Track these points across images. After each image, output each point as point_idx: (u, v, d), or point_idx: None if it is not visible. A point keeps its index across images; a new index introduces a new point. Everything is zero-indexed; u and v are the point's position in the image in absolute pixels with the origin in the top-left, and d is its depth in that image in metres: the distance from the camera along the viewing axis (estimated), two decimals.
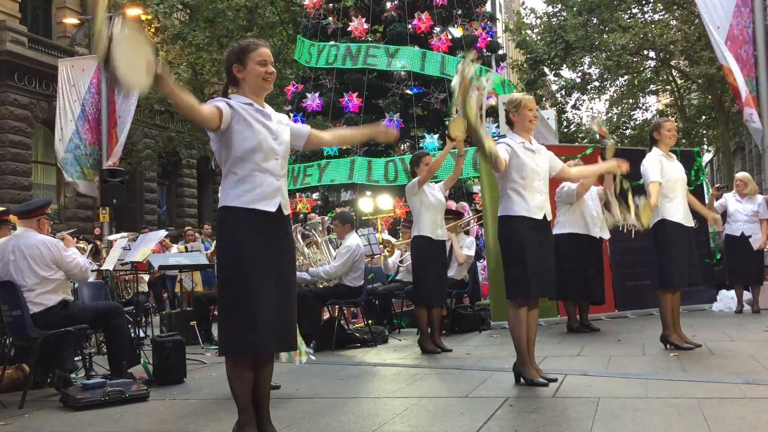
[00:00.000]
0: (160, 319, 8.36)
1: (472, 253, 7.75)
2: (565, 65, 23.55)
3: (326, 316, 7.40)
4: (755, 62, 11.21)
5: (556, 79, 26.40)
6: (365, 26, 15.27)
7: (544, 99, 27.99)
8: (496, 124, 14.22)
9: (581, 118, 29.18)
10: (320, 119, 16.18)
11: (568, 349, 5.68)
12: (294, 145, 3.26)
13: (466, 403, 3.85)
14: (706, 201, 8.87)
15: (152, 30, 19.75)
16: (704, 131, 24.82)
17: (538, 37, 24.19)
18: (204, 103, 2.95)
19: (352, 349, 6.59)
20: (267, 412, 3.11)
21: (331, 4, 16.50)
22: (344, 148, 15.38)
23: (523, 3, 27.00)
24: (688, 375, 4.27)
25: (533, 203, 4.26)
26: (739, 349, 5.23)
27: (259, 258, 2.97)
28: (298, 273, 6.51)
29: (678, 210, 5.26)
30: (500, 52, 17.53)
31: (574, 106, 26.56)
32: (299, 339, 3.96)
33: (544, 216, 4.30)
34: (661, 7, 22.14)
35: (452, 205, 9.10)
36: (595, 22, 21.55)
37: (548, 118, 13.96)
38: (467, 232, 8.68)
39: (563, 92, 25.67)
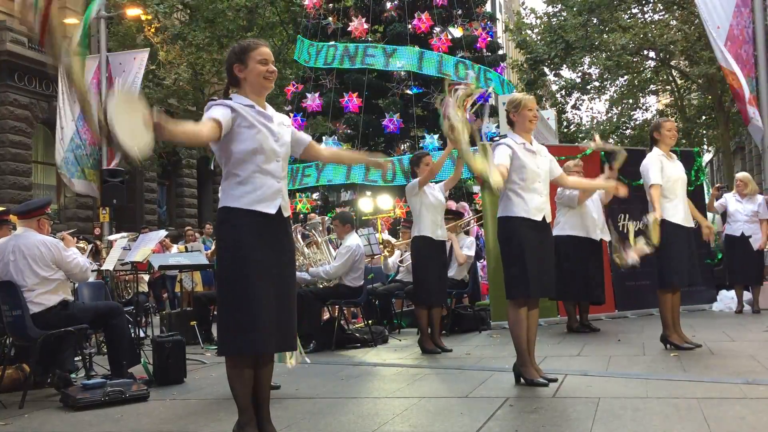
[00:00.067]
0: (160, 319, 8.36)
1: (472, 253, 7.75)
2: (565, 65, 23.55)
3: (326, 316, 7.39)
4: (755, 62, 11.22)
5: (556, 79, 26.41)
6: (365, 26, 15.27)
7: (544, 99, 27.99)
8: (497, 125, 14.24)
9: (581, 119, 29.23)
10: (320, 119, 16.18)
11: (568, 349, 5.68)
12: (292, 151, 3.26)
13: (466, 403, 3.85)
14: (707, 201, 8.87)
15: (152, 30, 19.75)
16: (704, 131, 24.80)
17: (538, 37, 24.18)
18: (204, 119, 2.92)
19: (352, 349, 6.59)
20: (267, 412, 3.11)
21: (331, 4, 16.50)
22: (344, 147, 15.37)
23: (523, 3, 26.99)
24: (688, 375, 4.27)
25: (532, 204, 4.26)
26: (739, 349, 5.23)
27: (259, 258, 2.97)
28: (298, 273, 6.51)
29: (678, 210, 5.26)
30: (500, 52, 17.52)
31: (574, 106, 26.56)
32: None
33: (543, 218, 4.31)
34: (661, 7, 22.14)
35: (452, 205, 9.10)
36: (595, 22, 21.55)
37: (548, 119, 13.97)
38: (467, 233, 8.68)
39: (563, 92, 25.67)
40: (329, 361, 5.88)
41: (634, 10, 22.45)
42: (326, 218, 8.30)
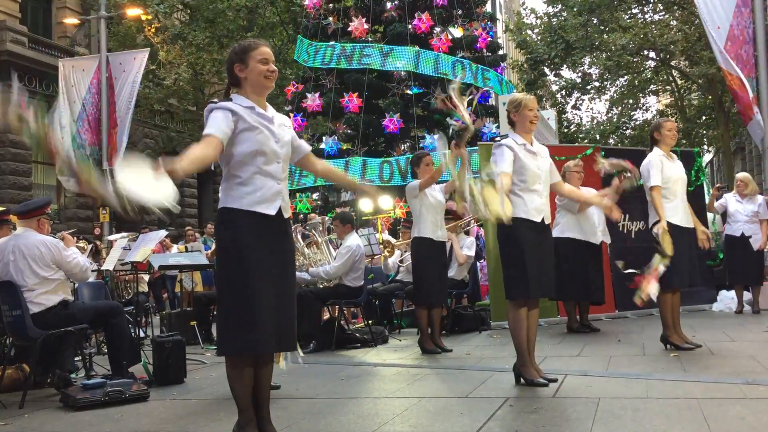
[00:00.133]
0: (160, 319, 8.36)
1: (472, 253, 7.75)
2: (565, 65, 23.56)
3: (326, 316, 7.39)
4: (755, 62, 11.22)
5: (556, 79, 26.43)
6: (365, 26, 15.27)
7: (544, 99, 28.00)
8: (497, 125, 14.24)
9: (581, 119, 29.25)
10: (320, 119, 16.18)
11: (568, 350, 5.68)
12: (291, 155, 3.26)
13: (466, 403, 3.85)
14: (707, 201, 8.87)
15: (152, 30, 19.76)
16: (704, 131, 24.81)
17: (539, 38, 24.20)
18: (205, 137, 2.93)
19: (352, 349, 6.59)
20: (267, 412, 3.11)
21: (331, 5, 16.50)
22: (344, 147, 15.39)
23: (523, 3, 27.01)
24: (688, 375, 4.27)
25: (532, 205, 4.26)
26: (739, 350, 5.23)
27: (258, 259, 2.97)
28: (298, 273, 6.51)
29: (677, 211, 5.25)
30: (500, 52, 17.53)
31: (574, 107, 26.57)
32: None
33: (543, 219, 4.30)
34: (662, 8, 22.15)
35: (452, 205, 9.09)
36: (595, 22, 21.55)
37: (548, 119, 13.96)
38: (467, 233, 8.67)
39: (563, 93, 25.68)
40: (329, 361, 5.88)
41: (635, 10, 22.46)
42: (326, 218, 8.30)
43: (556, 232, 6.44)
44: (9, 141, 17.90)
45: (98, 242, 9.34)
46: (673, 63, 22.76)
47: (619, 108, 27.07)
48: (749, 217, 8.11)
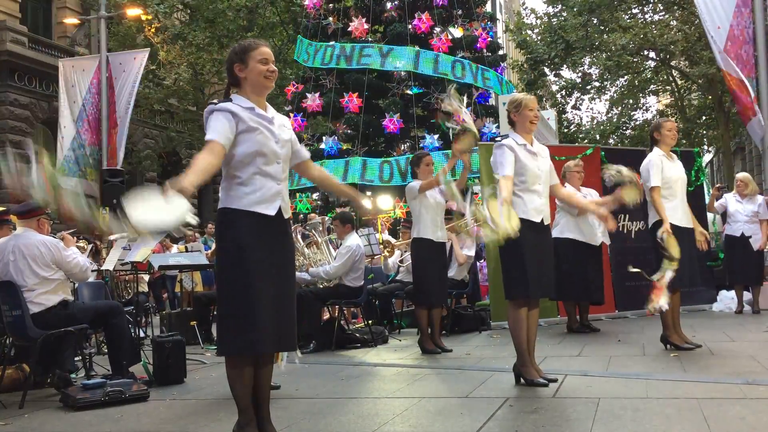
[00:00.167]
0: (160, 319, 8.36)
1: (472, 253, 7.75)
2: (565, 65, 23.55)
3: (326, 316, 7.39)
4: (755, 62, 11.22)
5: (556, 79, 26.42)
6: (365, 26, 15.28)
7: (544, 99, 28.01)
8: (497, 125, 14.25)
9: (581, 119, 29.26)
10: (320, 119, 16.20)
11: (568, 350, 5.68)
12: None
13: (466, 403, 3.85)
14: (707, 201, 8.87)
15: (152, 30, 19.76)
16: (704, 131, 24.81)
17: (539, 38, 24.19)
18: (208, 143, 2.94)
19: (352, 349, 6.58)
20: (267, 412, 3.11)
21: (331, 5, 16.51)
22: (344, 147, 15.39)
23: (523, 3, 27.01)
24: (688, 375, 4.27)
25: (531, 206, 4.26)
26: (739, 350, 5.23)
27: (258, 259, 2.97)
28: (298, 273, 6.52)
29: (676, 211, 5.25)
30: (500, 52, 17.54)
31: (574, 107, 26.58)
32: None
33: (542, 220, 4.30)
34: (662, 8, 22.14)
35: (452, 205, 9.09)
36: (595, 22, 21.55)
37: (549, 119, 13.97)
38: (467, 233, 8.67)
39: (563, 93, 25.68)
40: (329, 361, 5.88)
41: (635, 11, 22.46)
42: (326, 218, 8.31)
43: (555, 233, 6.44)
44: (9, 141, 17.91)
45: (98, 242, 9.33)
46: (673, 63, 22.76)
47: (619, 108, 27.08)
48: (749, 217, 8.11)
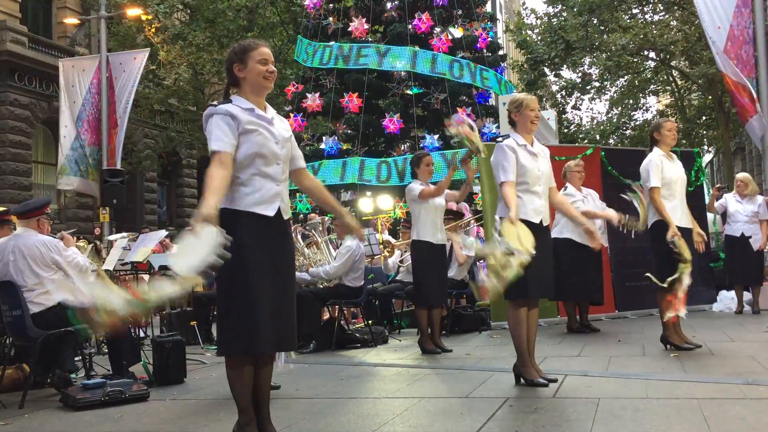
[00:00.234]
0: (160, 319, 8.36)
1: (473, 253, 7.74)
2: (565, 65, 23.55)
3: (326, 316, 7.39)
4: (755, 62, 11.22)
5: (556, 79, 26.43)
6: (365, 26, 15.28)
7: (544, 99, 28.02)
8: (497, 125, 14.25)
9: (581, 119, 29.26)
10: (320, 119, 16.20)
11: (568, 350, 5.68)
12: None
13: (466, 403, 3.85)
14: (707, 201, 8.87)
15: (152, 30, 19.76)
16: (704, 132, 24.81)
17: (539, 38, 24.19)
18: (216, 154, 2.96)
19: (352, 349, 6.58)
20: (267, 413, 3.11)
21: (331, 5, 16.51)
22: (344, 147, 15.40)
23: (523, 3, 27.02)
24: (688, 375, 4.27)
25: (531, 206, 4.26)
26: (739, 350, 5.23)
27: (258, 259, 2.97)
28: (298, 273, 6.51)
29: (676, 211, 5.25)
30: (500, 52, 17.54)
31: (574, 107, 26.58)
32: None
33: (541, 221, 4.30)
34: (662, 8, 22.15)
35: (452, 205, 9.10)
36: (595, 22, 21.55)
37: (549, 119, 13.98)
38: (467, 233, 8.68)
39: (563, 93, 25.68)
40: (329, 361, 5.88)
41: (635, 11, 22.46)
42: (326, 218, 8.30)
43: (555, 233, 6.43)
44: (9, 141, 17.91)
45: (98, 242, 9.33)
46: (673, 63, 22.76)
47: (619, 108, 27.08)
48: (749, 217, 8.11)
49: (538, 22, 25.08)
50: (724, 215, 8.42)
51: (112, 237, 9.16)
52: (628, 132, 27.20)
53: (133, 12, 18.10)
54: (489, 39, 16.06)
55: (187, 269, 2.62)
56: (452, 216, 7.75)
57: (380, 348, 6.62)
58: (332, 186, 14.49)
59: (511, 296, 4.25)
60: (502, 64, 17.56)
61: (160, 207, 24.08)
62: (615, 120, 27.25)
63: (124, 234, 8.62)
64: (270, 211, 3.04)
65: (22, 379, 5.02)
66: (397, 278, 8.28)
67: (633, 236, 8.10)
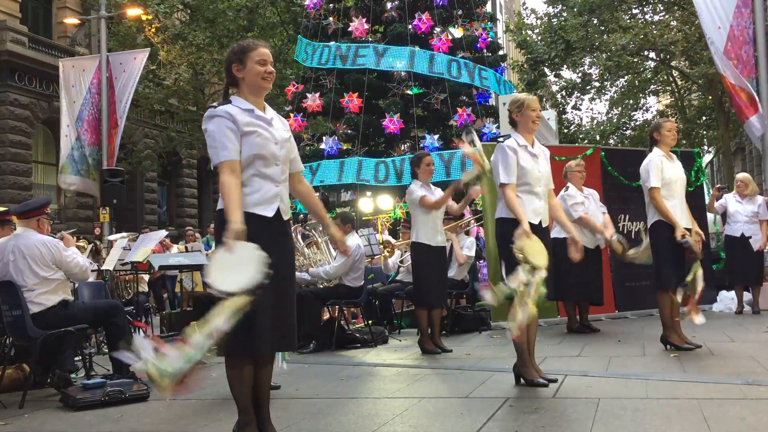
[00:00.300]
0: (160, 319, 8.36)
1: (472, 253, 7.75)
2: (565, 66, 23.55)
3: (326, 316, 7.39)
4: (755, 62, 11.21)
5: (556, 79, 26.42)
6: (366, 27, 15.27)
7: (544, 99, 28.02)
8: (497, 125, 14.24)
9: (581, 119, 29.26)
10: (320, 119, 16.18)
11: (568, 350, 5.68)
12: None
13: (466, 403, 3.85)
14: (707, 202, 8.87)
15: (153, 30, 19.76)
16: (704, 132, 24.81)
17: (539, 38, 24.20)
18: (223, 166, 2.97)
19: (352, 349, 6.59)
20: (267, 413, 3.11)
21: (331, 5, 16.50)
22: (344, 147, 15.39)
23: (523, 3, 27.02)
24: (688, 375, 4.27)
25: (530, 207, 4.26)
26: (739, 350, 5.23)
27: None
28: (298, 273, 6.51)
29: (675, 211, 5.25)
30: (501, 52, 17.53)
31: (574, 107, 26.58)
32: None
33: (540, 222, 4.30)
34: (662, 8, 22.15)
35: (452, 206, 9.09)
36: (595, 22, 21.55)
37: (549, 119, 13.97)
38: (467, 233, 8.68)
39: (563, 93, 25.69)
40: (329, 361, 5.88)
41: (635, 11, 22.46)
42: None
43: (554, 233, 6.41)
44: (9, 141, 17.91)
45: (98, 242, 9.34)
46: (673, 63, 22.76)
47: (619, 108, 27.08)
48: (749, 217, 8.12)
49: (538, 22, 25.09)
50: (724, 215, 8.42)
51: (112, 237, 9.17)
52: (628, 132, 27.20)
53: (133, 12, 18.10)
54: (489, 39, 16.05)
55: (237, 287, 2.65)
56: (452, 216, 7.75)
57: (380, 348, 6.62)
58: (331, 186, 14.49)
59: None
60: (503, 65, 17.54)
61: (160, 207, 24.08)
62: (615, 120, 27.25)
63: (124, 234, 8.64)
64: (269, 212, 3.04)
65: (22, 379, 5.02)
66: (397, 278, 8.28)
67: (633, 236, 8.15)
